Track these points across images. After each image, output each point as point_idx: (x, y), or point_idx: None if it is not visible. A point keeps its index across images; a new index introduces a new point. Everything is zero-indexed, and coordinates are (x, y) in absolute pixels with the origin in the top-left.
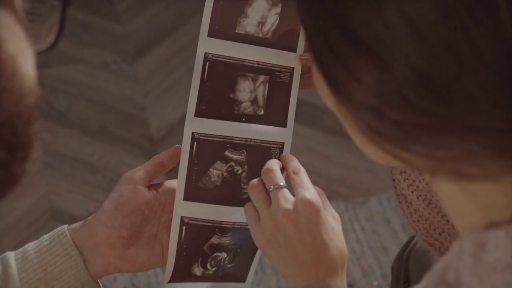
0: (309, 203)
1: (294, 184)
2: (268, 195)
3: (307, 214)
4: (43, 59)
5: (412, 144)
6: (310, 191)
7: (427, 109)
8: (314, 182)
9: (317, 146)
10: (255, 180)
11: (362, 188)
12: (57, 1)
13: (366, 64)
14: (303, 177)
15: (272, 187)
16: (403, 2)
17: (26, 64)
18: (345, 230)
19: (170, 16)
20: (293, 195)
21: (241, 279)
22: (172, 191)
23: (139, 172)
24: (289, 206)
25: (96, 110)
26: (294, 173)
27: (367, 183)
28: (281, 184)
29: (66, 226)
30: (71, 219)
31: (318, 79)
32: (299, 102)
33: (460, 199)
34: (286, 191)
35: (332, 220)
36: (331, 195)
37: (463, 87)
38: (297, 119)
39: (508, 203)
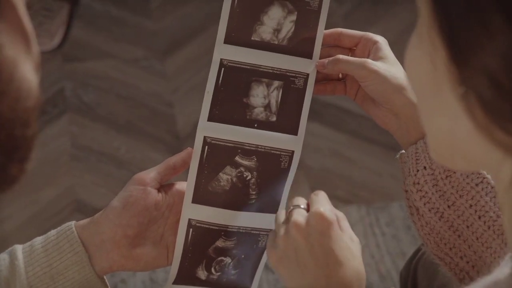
0: (321, 217)
1: (311, 202)
2: (287, 216)
3: (319, 228)
4: (75, 53)
5: None
6: (325, 207)
7: None
8: (336, 185)
9: (341, 149)
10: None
11: (384, 193)
12: (65, 1)
13: (505, 22)
14: (321, 196)
15: (291, 207)
16: None
17: (25, 67)
18: (365, 235)
19: (201, 16)
20: None
21: (246, 287)
22: (181, 193)
23: (151, 174)
24: (301, 219)
25: (125, 105)
26: (314, 194)
27: (389, 188)
28: (301, 205)
29: (73, 222)
30: (94, 212)
31: (427, 37)
32: (325, 104)
33: None
34: (302, 210)
35: (348, 241)
36: (353, 199)
37: None
38: (321, 121)
39: None
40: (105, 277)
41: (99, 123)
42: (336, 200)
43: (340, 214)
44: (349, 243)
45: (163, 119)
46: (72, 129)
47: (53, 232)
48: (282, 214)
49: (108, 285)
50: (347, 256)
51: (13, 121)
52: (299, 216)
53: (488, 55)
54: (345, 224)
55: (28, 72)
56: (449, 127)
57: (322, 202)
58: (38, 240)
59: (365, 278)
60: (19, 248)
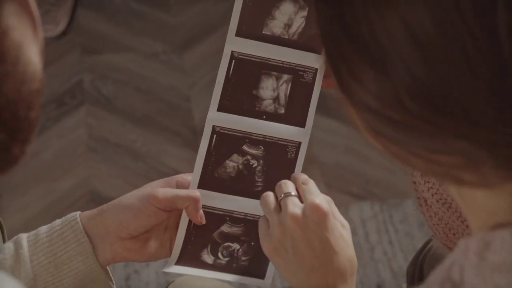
0: (317, 208)
1: (303, 192)
2: (279, 204)
3: (315, 219)
4: (95, 46)
5: (412, 145)
6: (319, 197)
7: (423, 116)
8: (350, 181)
9: (356, 145)
10: (267, 192)
11: (398, 190)
12: None
13: (367, 67)
14: (312, 186)
15: (282, 195)
16: (406, 11)
17: (31, 51)
18: (378, 231)
19: (219, 12)
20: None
21: (260, 275)
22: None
23: (169, 195)
24: (297, 210)
25: (142, 98)
26: (303, 183)
27: (403, 185)
28: (292, 193)
29: (78, 212)
30: None
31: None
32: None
33: (464, 203)
34: (295, 198)
35: (341, 228)
36: (367, 195)
37: (458, 100)
38: (337, 117)
39: (508, 207)
40: (110, 268)
41: (117, 116)
42: (350, 196)
43: (328, 199)
44: (342, 231)
45: (180, 113)
46: (90, 121)
47: (58, 221)
48: (271, 199)
49: (111, 275)
50: (341, 245)
51: (18, 102)
52: (295, 207)
53: (365, 96)
54: (335, 209)
55: (33, 56)
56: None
57: (315, 192)
58: (43, 229)
59: (356, 264)
60: (24, 237)
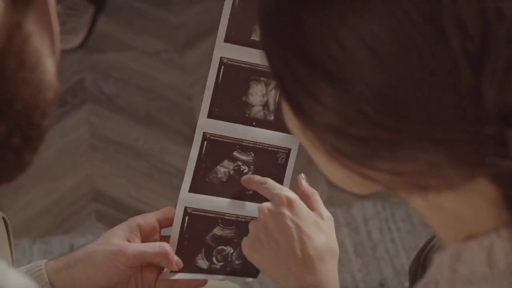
0: (285, 196)
1: (267, 190)
2: None
3: (285, 206)
4: (97, 44)
5: (376, 160)
6: (283, 189)
7: (387, 125)
8: None
9: None
10: None
11: None
12: (90, 3)
13: (325, 85)
14: (271, 182)
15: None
16: (356, 23)
17: (49, 61)
18: (380, 230)
19: (221, 10)
20: None
21: (252, 274)
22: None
23: (136, 253)
24: (267, 205)
25: (144, 96)
26: (262, 183)
27: None
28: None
29: (44, 262)
30: (112, 202)
31: (284, 107)
32: None
33: (434, 214)
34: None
35: (316, 217)
36: (369, 194)
37: (418, 103)
38: None
39: (476, 214)
40: None
41: (119, 114)
42: (352, 195)
43: (313, 190)
44: (316, 219)
45: (182, 111)
46: (92, 120)
47: (22, 269)
48: None
49: None
50: (315, 231)
51: (34, 109)
52: (265, 204)
53: (325, 115)
54: (319, 202)
55: (50, 65)
56: (338, 177)
57: (277, 186)
58: None
59: (337, 250)
60: None
